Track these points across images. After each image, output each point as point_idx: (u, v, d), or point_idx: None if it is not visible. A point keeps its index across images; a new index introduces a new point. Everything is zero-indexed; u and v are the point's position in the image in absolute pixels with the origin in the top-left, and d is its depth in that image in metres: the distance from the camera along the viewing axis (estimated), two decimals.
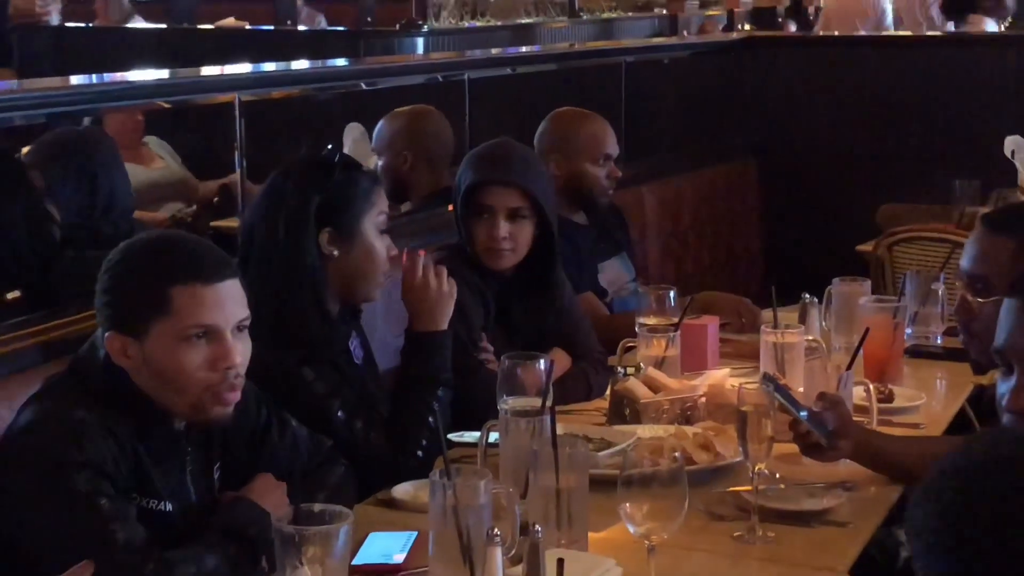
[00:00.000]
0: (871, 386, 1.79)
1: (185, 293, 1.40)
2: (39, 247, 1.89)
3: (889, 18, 5.83)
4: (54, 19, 4.40)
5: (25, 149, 2.16)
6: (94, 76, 2.65)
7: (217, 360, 1.41)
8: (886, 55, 4.11)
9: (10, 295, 1.81)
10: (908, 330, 2.14)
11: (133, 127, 3.02)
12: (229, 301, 1.43)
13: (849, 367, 1.76)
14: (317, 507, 1.29)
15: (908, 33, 5.46)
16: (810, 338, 1.97)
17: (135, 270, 1.43)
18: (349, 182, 1.76)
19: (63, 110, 2.14)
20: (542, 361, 1.64)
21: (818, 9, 6.40)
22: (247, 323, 1.42)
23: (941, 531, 0.65)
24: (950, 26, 4.83)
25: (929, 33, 5.13)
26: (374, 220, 1.76)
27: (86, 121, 2.39)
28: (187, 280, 1.41)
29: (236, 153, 2.31)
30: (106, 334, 1.40)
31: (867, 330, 1.84)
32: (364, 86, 2.96)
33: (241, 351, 1.42)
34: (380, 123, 2.76)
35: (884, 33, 5.47)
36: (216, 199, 2.88)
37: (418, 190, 2.76)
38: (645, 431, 1.71)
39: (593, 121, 2.60)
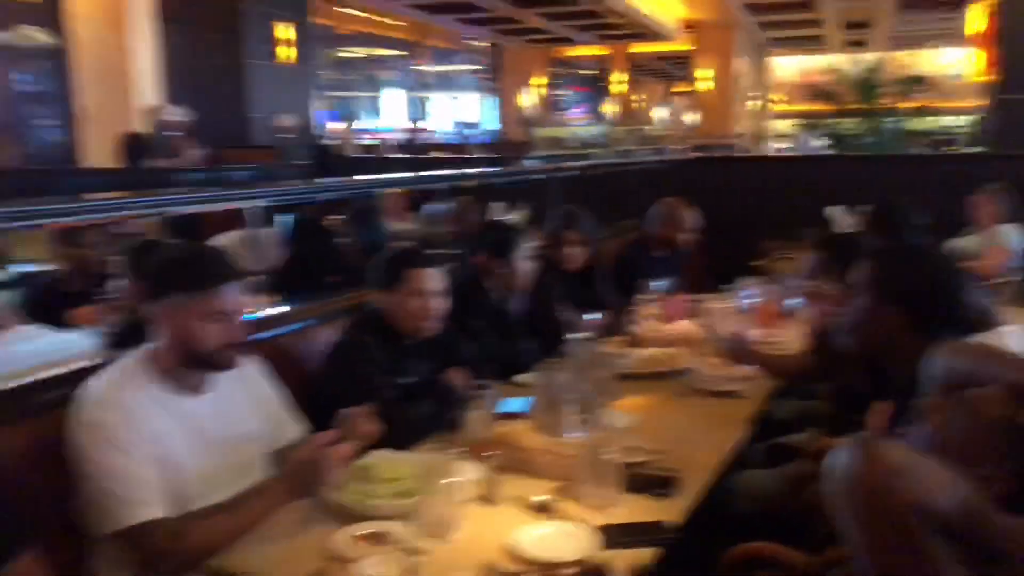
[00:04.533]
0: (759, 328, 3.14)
1: (413, 272, 2.47)
2: (343, 258, 3.29)
3: None
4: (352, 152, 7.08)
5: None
6: (373, 176, 4.46)
7: (426, 307, 2.45)
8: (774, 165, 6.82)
9: (332, 279, 3.20)
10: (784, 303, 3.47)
11: (398, 202, 4.86)
12: (435, 278, 2.49)
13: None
14: (480, 383, 2.30)
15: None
16: (729, 306, 3.34)
17: (390, 259, 2.55)
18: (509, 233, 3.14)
19: (357, 192, 3.63)
20: (591, 315, 2.97)
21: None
22: (445, 291, 2.51)
23: None
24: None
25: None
26: (520, 250, 3.09)
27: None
28: (415, 265, 2.49)
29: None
30: (375, 293, 2.50)
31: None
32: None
33: (442, 304, 2.49)
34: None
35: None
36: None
37: None
38: (643, 352, 3.05)
39: (682, 208, 4.15)
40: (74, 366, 2.04)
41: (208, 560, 1.69)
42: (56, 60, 7.50)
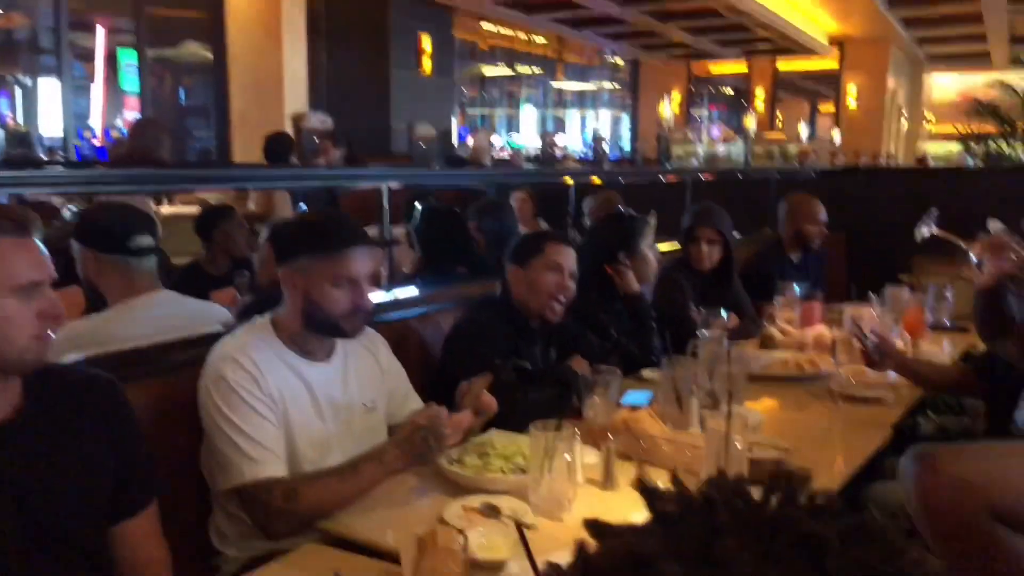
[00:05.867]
0: (906, 337, 2.91)
1: (552, 246, 2.46)
2: (472, 250, 3.34)
3: None
4: (488, 162, 6.98)
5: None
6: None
7: (560, 284, 2.42)
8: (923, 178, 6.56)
9: (460, 270, 3.24)
10: (929, 316, 3.28)
11: (529, 207, 4.98)
12: (570, 256, 2.47)
13: (896, 323, 2.90)
14: (603, 368, 2.31)
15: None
16: (874, 313, 3.13)
17: (531, 236, 2.61)
18: (636, 225, 3.02)
19: (485, 178, 3.84)
20: (724, 314, 2.86)
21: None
22: (576, 275, 2.48)
23: None
24: None
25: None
26: (647, 243, 3.00)
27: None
28: (555, 241, 2.51)
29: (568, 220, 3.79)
30: (509, 268, 2.47)
31: (907, 310, 2.99)
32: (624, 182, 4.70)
33: (572, 286, 2.46)
34: None
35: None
36: None
37: None
38: (776, 354, 2.90)
39: (812, 200, 3.99)
40: (208, 330, 2.11)
41: (319, 521, 1.70)
42: (216, 73, 8.01)
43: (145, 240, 2.26)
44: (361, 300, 1.87)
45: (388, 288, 2.76)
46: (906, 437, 2.59)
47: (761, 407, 2.44)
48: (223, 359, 1.81)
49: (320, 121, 7.22)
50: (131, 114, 8.70)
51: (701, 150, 12.29)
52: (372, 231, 3.96)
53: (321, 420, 1.88)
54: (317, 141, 6.74)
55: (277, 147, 5.58)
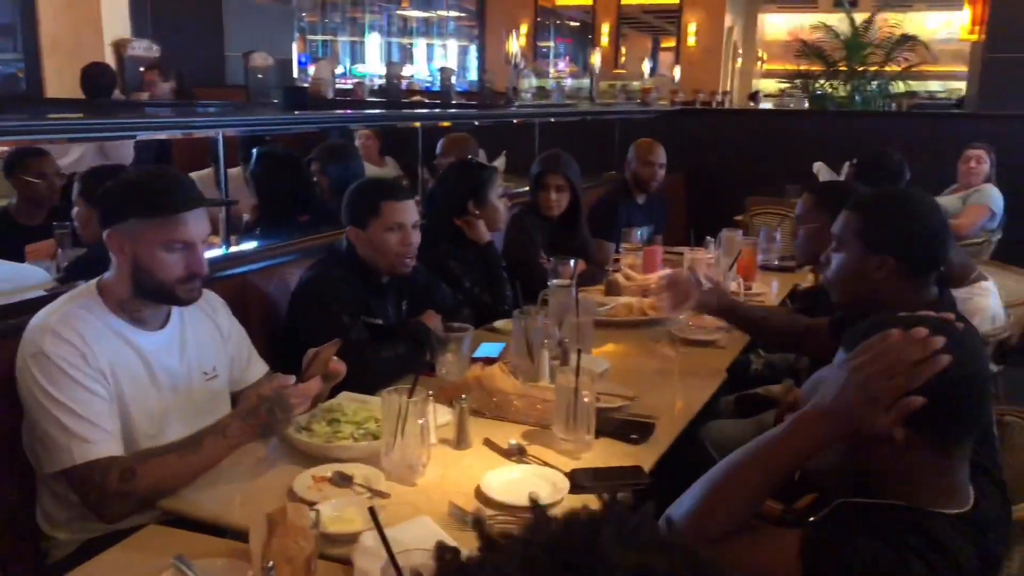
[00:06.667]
0: (740, 280, 3.08)
1: (388, 205, 2.30)
2: (317, 196, 3.16)
3: None
4: (330, 95, 6.64)
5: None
6: (349, 110, 4.15)
7: (404, 241, 2.31)
8: (757, 118, 7.02)
9: (303, 218, 3.08)
10: (761, 256, 3.49)
11: (374, 146, 4.89)
12: (412, 210, 2.36)
13: (729, 269, 3.06)
14: (455, 326, 2.29)
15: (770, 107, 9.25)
16: (710, 256, 3.28)
17: (363, 191, 2.37)
18: (485, 174, 2.95)
19: (330, 125, 3.57)
20: (571, 262, 2.89)
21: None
22: (419, 224, 2.36)
23: None
24: None
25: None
26: (496, 192, 2.97)
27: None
28: (390, 197, 2.31)
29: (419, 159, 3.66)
30: (347, 227, 2.33)
31: (740, 252, 3.15)
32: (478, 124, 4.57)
33: (417, 237, 2.35)
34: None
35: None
36: (405, 182, 4.52)
37: None
38: (621, 300, 2.99)
39: (652, 144, 4.11)
40: (25, 296, 1.94)
41: (160, 500, 1.62)
42: None
43: None
44: (197, 265, 1.76)
45: (225, 243, 2.61)
46: (738, 375, 2.76)
47: (607, 352, 2.52)
48: (42, 332, 1.67)
49: (145, 48, 6.67)
50: None
51: (547, 84, 12.35)
52: (206, 175, 3.75)
53: (158, 391, 1.78)
54: (142, 71, 6.23)
55: (97, 80, 5.11)
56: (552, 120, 5.20)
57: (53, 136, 2.41)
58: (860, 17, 10.98)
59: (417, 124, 3.44)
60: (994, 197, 4.70)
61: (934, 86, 15.18)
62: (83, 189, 2.41)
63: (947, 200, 4.84)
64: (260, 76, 7.62)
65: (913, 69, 9.91)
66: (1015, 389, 3.90)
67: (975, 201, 4.70)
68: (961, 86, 11.49)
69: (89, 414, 1.63)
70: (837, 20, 11.09)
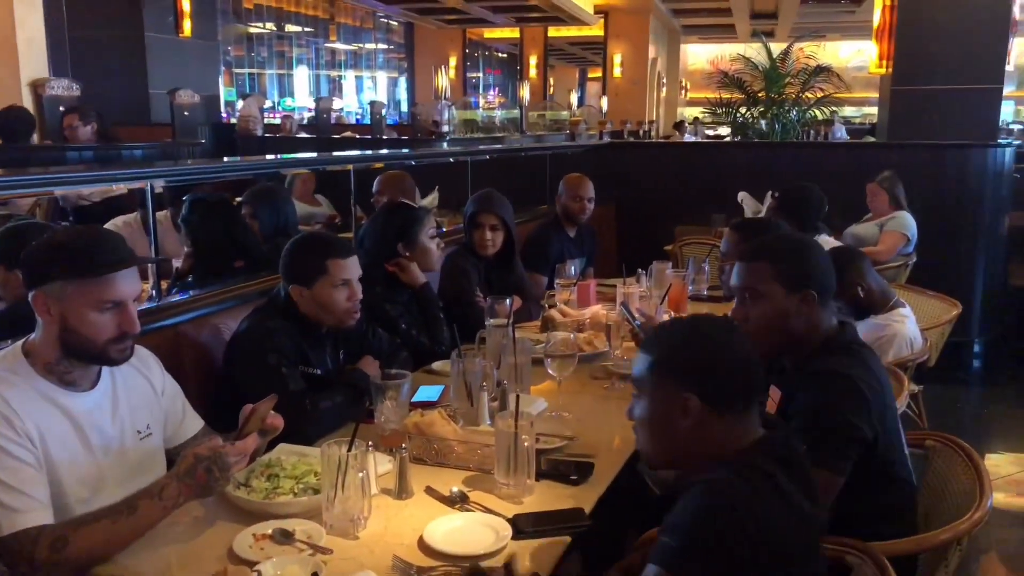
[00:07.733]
0: (671, 313, 3.16)
1: (335, 263, 2.30)
2: (251, 241, 3.12)
3: None
4: (258, 132, 7.42)
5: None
6: (279, 156, 4.13)
7: (351, 297, 2.33)
8: (682, 150, 7.65)
9: (237, 264, 3.03)
10: (690, 287, 3.59)
11: (308, 185, 4.91)
12: (355, 267, 2.36)
13: (661, 303, 3.14)
14: (393, 372, 2.24)
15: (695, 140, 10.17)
16: (642, 289, 3.36)
17: (307, 249, 2.35)
18: (413, 215, 2.97)
19: (262, 172, 3.50)
20: (508, 301, 2.90)
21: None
22: (360, 277, 2.38)
23: None
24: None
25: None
26: (427, 233, 2.98)
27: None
28: (336, 256, 2.30)
29: (352, 198, 3.60)
30: (289, 286, 2.30)
31: (670, 285, 3.24)
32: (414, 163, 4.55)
33: (359, 291, 2.36)
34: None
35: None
36: (339, 221, 4.62)
37: None
38: (558, 336, 3.01)
39: (580, 179, 4.21)
40: None
41: (95, 567, 1.57)
42: None
43: None
44: (129, 324, 1.72)
45: (156, 293, 2.56)
46: None
47: (544, 390, 2.54)
48: None
49: (65, 88, 6.51)
50: None
51: (477, 116, 12.47)
52: (132, 220, 3.66)
53: (90, 454, 1.73)
54: (62, 111, 6.08)
55: (13, 125, 4.96)
56: (487, 157, 5.26)
57: None
58: (777, 48, 11.40)
59: (350, 167, 3.44)
60: (908, 223, 4.93)
61: (849, 111, 15.88)
62: (1, 248, 2.32)
63: (864, 227, 5.05)
64: (186, 113, 7.53)
65: (829, 97, 10.31)
66: (935, 412, 4.07)
67: (891, 228, 4.91)
68: (874, 111, 12.03)
69: (15, 482, 1.58)
70: (755, 51, 11.50)
